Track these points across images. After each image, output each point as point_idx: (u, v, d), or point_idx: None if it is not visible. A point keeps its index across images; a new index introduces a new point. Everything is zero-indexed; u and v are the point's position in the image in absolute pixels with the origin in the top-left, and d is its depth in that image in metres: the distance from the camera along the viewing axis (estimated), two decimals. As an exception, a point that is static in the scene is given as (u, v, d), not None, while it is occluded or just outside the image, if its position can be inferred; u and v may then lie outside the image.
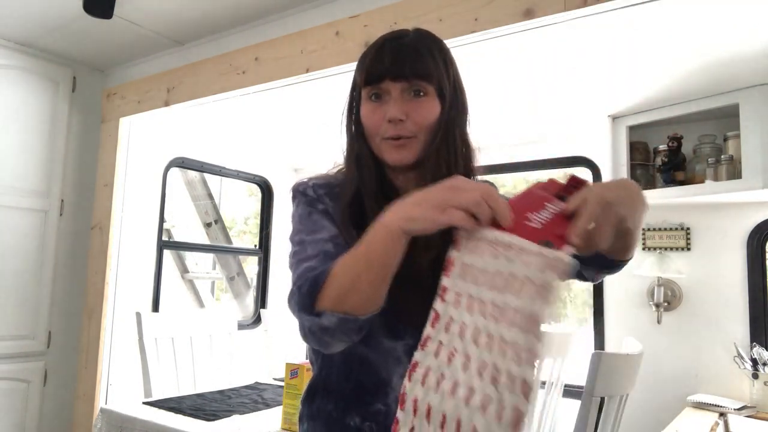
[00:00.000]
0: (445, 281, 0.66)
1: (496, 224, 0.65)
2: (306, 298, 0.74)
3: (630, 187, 0.72)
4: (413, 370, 0.64)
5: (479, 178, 0.95)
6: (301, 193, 0.91)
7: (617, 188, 0.70)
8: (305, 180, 0.93)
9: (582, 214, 0.65)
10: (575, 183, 0.71)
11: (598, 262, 0.90)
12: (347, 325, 0.73)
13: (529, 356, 0.58)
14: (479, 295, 0.63)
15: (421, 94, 0.86)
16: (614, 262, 0.88)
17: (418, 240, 0.73)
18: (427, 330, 0.66)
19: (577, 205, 0.66)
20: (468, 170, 0.92)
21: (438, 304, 0.66)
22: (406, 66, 0.85)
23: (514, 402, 0.57)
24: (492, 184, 0.93)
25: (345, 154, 0.94)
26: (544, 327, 0.59)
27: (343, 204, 0.88)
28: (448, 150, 0.88)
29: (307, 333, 0.76)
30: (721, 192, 2.01)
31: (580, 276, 0.97)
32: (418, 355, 0.65)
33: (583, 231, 0.64)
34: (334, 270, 0.73)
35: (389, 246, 0.69)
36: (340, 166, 0.96)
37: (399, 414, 0.63)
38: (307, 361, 1.74)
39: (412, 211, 0.68)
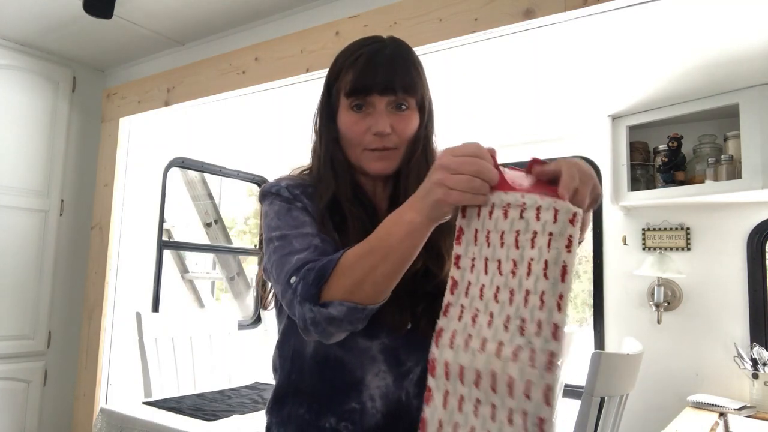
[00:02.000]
0: (457, 249, 0.68)
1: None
2: (312, 289, 0.73)
3: (582, 162, 0.72)
4: (439, 336, 0.65)
5: None
6: (273, 194, 0.90)
7: (576, 162, 0.71)
8: (275, 182, 0.92)
9: (563, 174, 0.65)
10: (538, 162, 0.72)
11: None
12: (356, 314, 0.73)
13: (551, 299, 0.59)
14: (494, 255, 0.64)
15: (404, 107, 0.88)
16: None
17: None
18: (447, 297, 0.67)
19: (553, 169, 0.67)
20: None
21: (454, 272, 0.67)
22: (396, 81, 0.86)
23: (544, 345, 0.58)
24: None
25: (318, 157, 0.94)
26: (563, 269, 0.60)
27: (321, 207, 0.88)
28: (426, 161, 0.90)
29: (308, 325, 0.75)
30: (721, 192, 2.01)
31: None
32: (441, 322, 0.66)
33: (571, 186, 0.65)
34: (343, 261, 0.74)
35: (414, 239, 0.70)
36: (304, 168, 0.96)
37: (430, 381, 0.64)
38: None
39: (438, 198, 0.66)
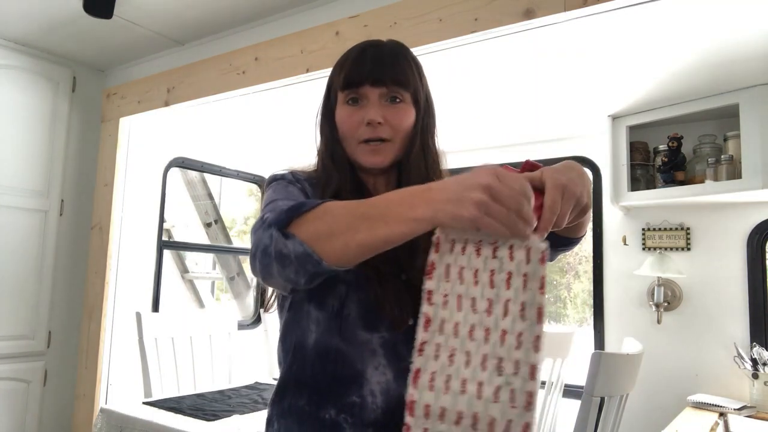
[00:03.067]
0: (428, 284, 0.67)
1: None
2: (282, 215, 0.71)
3: (575, 167, 0.73)
4: (417, 377, 0.64)
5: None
6: (278, 179, 0.91)
7: (567, 170, 0.70)
8: (282, 170, 0.95)
9: (546, 202, 0.66)
10: (529, 167, 0.73)
11: (554, 242, 0.91)
12: (308, 263, 0.70)
13: (528, 340, 0.60)
14: (467, 292, 0.64)
15: (398, 100, 0.90)
16: (570, 240, 0.92)
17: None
18: (421, 335, 0.66)
19: (538, 182, 0.68)
20: (438, 175, 0.96)
21: (426, 308, 0.66)
22: (386, 72, 0.88)
23: (523, 385, 0.59)
24: None
25: (320, 155, 0.97)
26: (538, 311, 0.61)
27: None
28: (424, 156, 0.92)
29: (258, 251, 0.72)
30: (721, 192, 2.01)
31: None
32: (418, 362, 0.65)
33: (551, 219, 0.65)
34: (327, 206, 0.71)
35: (412, 232, 0.67)
36: (312, 166, 0.98)
37: (408, 420, 0.64)
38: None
39: (470, 215, 0.63)
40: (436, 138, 0.98)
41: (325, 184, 0.92)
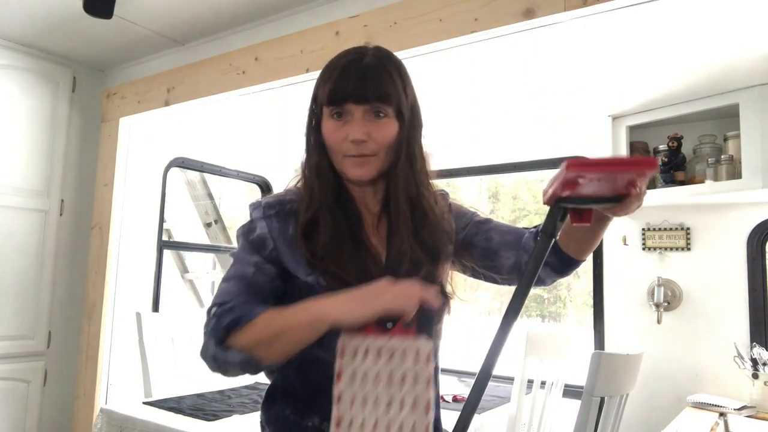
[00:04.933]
0: (337, 388, 0.79)
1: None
2: (221, 332, 0.83)
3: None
4: None
5: (434, 182, 1.02)
6: (246, 231, 0.95)
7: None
8: (255, 203, 0.98)
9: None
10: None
11: (556, 265, 0.96)
12: (250, 365, 0.83)
13: (420, 428, 0.76)
14: (370, 393, 0.78)
15: (381, 115, 0.91)
16: (573, 262, 0.94)
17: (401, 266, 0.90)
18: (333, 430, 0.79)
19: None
20: (425, 178, 0.98)
21: (336, 410, 0.79)
22: (369, 90, 0.89)
23: None
24: (445, 193, 1.07)
25: (304, 164, 0.98)
26: (426, 404, 0.77)
27: (301, 216, 0.93)
28: (410, 166, 0.94)
29: (208, 356, 0.85)
30: (721, 192, 2.01)
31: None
32: None
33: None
34: (256, 321, 0.82)
35: (309, 333, 0.80)
36: (298, 177, 1.00)
37: None
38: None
39: (349, 307, 0.78)
40: (422, 144, 0.99)
41: (309, 201, 0.94)
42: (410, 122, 0.95)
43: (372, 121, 0.90)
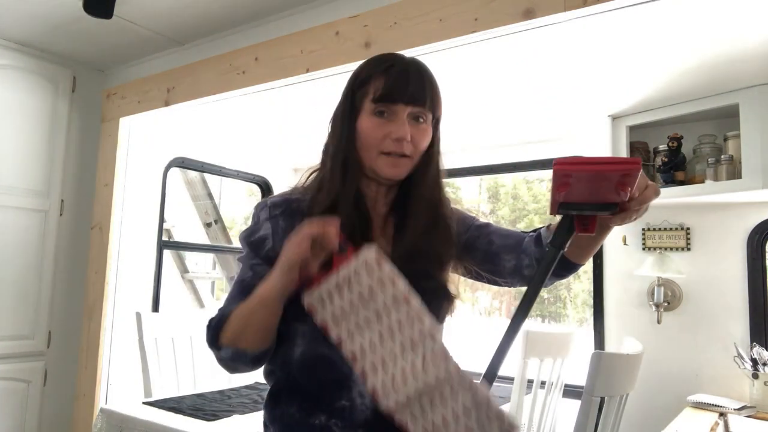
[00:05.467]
0: (333, 335, 0.83)
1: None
2: (210, 334, 0.91)
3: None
4: (376, 395, 0.80)
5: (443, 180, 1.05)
6: (248, 236, 0.98)
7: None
8: (261, 203, 1.00)
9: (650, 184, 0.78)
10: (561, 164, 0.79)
11: (559, 267, 0.96)
12: (241, 357, 0.89)
13: (414, 316, 0.79)
14: (358, 319, 0.82)
15: (421, 120, 0.94)
16: (573, 266, 0.96)
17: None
18: (357, 366, 0.82)
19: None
20: (440, 178, 1.02)
21: (346, 349, 0.83)
22: (425, 94, 0.93)
23: (433, 346, 0.77)
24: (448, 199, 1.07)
25: (330, 156, 0.98)
26: (404, 297, 0.79)
27: (316, 208, 0.94)
28: (434, 173, 1.00)
29: (216, 360, 0.92)
30: (721, 192, 2.01)
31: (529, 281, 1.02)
32: (369, 383, 0.81)
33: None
34: (230, 316, 0.89)
35: (267, 312, 0.87)
36: (313, 169, 1.01)
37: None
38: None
39: (275, 275, 0.84)
40: (441, 158, 1.02)
41: (324, 198, 0.94)
42: (439, 135, 0.99)
43: (413, 125, 0.93)
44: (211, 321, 0.93)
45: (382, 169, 0.94)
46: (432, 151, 0.98)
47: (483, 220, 1.09)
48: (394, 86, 0.92)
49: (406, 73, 0.93)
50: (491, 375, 0.79)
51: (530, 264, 0.99)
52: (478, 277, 1.07)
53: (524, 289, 0.84)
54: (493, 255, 1.03)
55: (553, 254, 0.81)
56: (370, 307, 0.81)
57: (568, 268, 0.96)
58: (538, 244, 0.98)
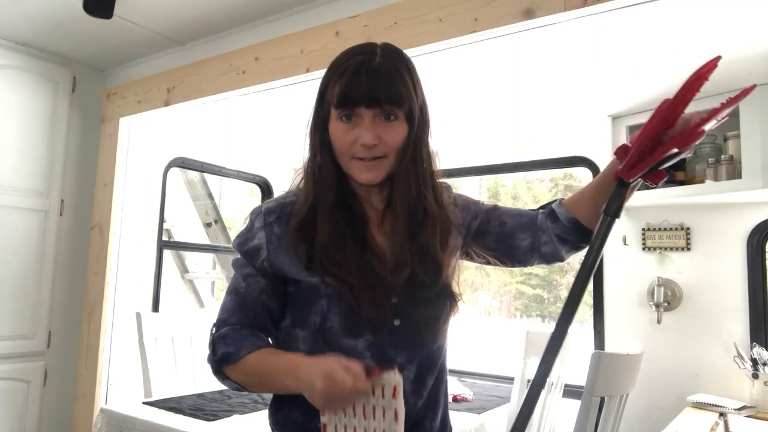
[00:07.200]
0: (323, 419, 0.86)
1: None
2: (216, 364, 0.95)
3: None
4: None
5: (438, 180, 1.02)
6: (240, 243, 0.98)
7: None
8: (260, 206, 0.98)
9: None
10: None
11: (574, 240, 0.99)
12: (242, 391, 0.97)
13: None
14: (350, 423, 0.86)
15: (392, 117, 0.89)
16: (590, 234, 0.95)
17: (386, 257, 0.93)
18: None
19: None
20: (431, 177, 0.98)
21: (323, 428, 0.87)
22: (381, 94, 0.87)
23: None
24: (448, 186, 1.07)
25: (307, 163, 0.97)
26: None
27: (297, 220, 0.93)
28: (416, 167, 0.94)
29: (214, 372, 0.98)
30: (721, 192, 2.01)
31: (548, 258, 1.03)
32: None
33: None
34: (243, 361, 0.91)
35: (286, 391, 0.89)
36: (301, 176, 0.99)
37: None
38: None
39: (315, 402, 0.83)
40: (429, 143, 0.98)
41: (305, 201, 0.94)
42: (419, 123, 0.93)
43: (382, 124, 0.89)
44: (214, 343, 0.95)
45: (357, 175, 0.91)
46: (413, 144, 0.92)
47: (489, 203, 1.08)
48: (349, 90, 0.88)
49: (359, 75, 0.88)
50: (559, 337, 0.84)
51: (548, 240, 0.99)
52: (484, 261, 1.07)
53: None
54: (507, 236, 1.02)
55: (609, 224, 0.83)
56: (365, 423, 0.86)
57: (585, 237, 0.97)
58: (554, 220, 0.98)
